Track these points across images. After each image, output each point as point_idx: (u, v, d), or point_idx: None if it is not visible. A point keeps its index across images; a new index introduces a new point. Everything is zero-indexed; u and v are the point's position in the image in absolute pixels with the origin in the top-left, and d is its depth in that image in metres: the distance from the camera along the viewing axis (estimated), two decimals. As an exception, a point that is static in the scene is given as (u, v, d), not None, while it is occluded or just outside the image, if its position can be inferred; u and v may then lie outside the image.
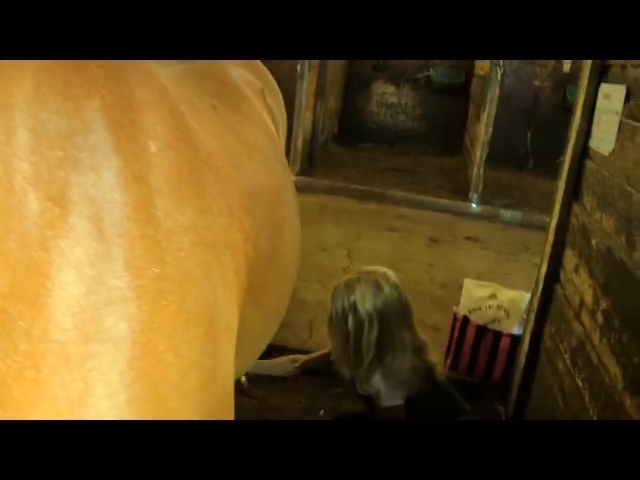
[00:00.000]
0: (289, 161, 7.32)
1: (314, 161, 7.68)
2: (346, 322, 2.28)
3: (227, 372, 1.17)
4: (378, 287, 2.29)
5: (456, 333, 3.65)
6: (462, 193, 7.55)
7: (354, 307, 2.27)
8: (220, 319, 1.12)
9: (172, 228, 1.02)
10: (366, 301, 2.26)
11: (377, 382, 2.33)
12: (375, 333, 2.26)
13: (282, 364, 3.17)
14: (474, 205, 7.23)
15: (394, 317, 2.29)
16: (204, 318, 1.07)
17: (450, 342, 3.74)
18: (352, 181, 7.54)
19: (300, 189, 6.83)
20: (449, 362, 3.64)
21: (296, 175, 7.24)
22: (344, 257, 5.68)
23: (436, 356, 2.47)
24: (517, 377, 3.17)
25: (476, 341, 3.59)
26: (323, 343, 4.24)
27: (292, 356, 3.20)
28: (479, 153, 7.18)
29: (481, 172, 7.20)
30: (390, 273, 2.37)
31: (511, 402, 3.20)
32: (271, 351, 3.94)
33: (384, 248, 5.93)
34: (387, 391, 2.33)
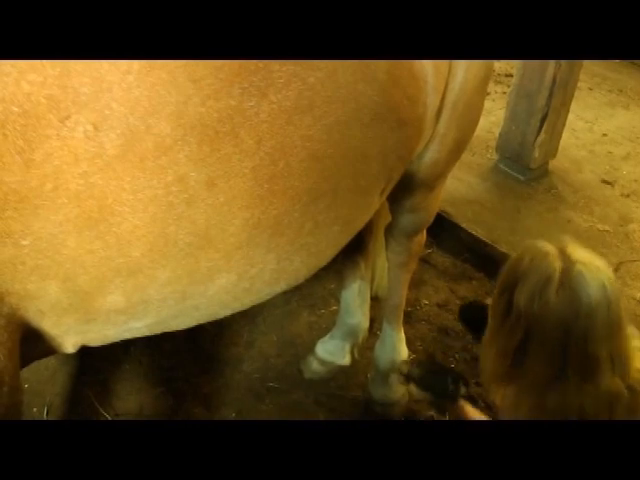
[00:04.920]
0: None
1: None
2: (498, 299, 1.71)
3: None
4: (547, 283, 1.60)
5: None
6: None
7: (512, 289, 1.65)
8: None
9: None
10: (524, 291, 1.62)
11: (505, 397, 1.77)
12: (518, 337, 1.64)
13: None
14: None
15: (549, 335, 1.61)
16: None
17: None
18: None
19: None
20: None
21: None
22: None
23: None
24: None
25: None
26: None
27: None
28: None
29: None
30: (596, 281, 1.59)
31: None
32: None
33: None
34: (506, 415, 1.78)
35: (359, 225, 1.80)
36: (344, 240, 1.75)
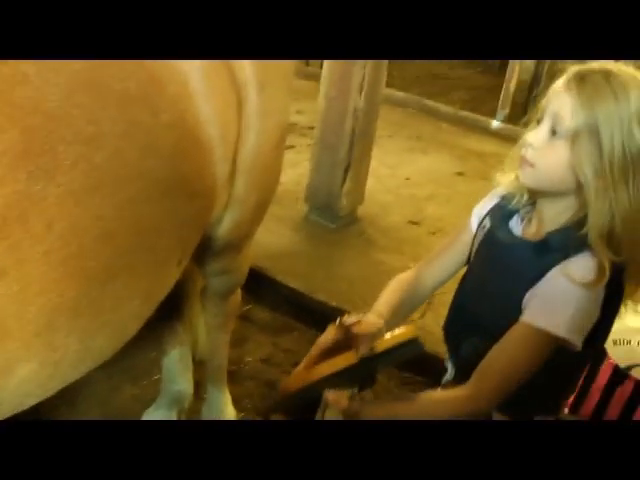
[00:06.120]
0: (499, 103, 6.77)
1: (530, 109, 6.87)
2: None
3: None
4: None
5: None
6: None
7: (629, 125, 1.45)
8: None
9: None
10: None
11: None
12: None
13: None
14: None
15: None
16: None
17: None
18: (567, 137, 6.55)
19: (501, 137, 6.35)
20: (571, 400, 2.63)
21: (502, 121, 6.62)
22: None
23: None
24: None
25: (609, 386, 2.57)
26: (432, 329, 3.88)
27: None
28: None
29: None
30: None
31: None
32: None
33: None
34: None
35: (160, 296, 1.79)
36: (147, 312, 1.73)
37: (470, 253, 1.78)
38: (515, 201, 1.68)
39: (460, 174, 5.76)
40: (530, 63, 6.69)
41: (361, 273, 4.26)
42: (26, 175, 1.24)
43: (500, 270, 1.65)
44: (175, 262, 1.76)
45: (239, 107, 1.88)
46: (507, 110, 6.71)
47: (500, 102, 6.77)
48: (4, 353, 1.30)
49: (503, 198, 1.72)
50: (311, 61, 7.59)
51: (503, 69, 7.27)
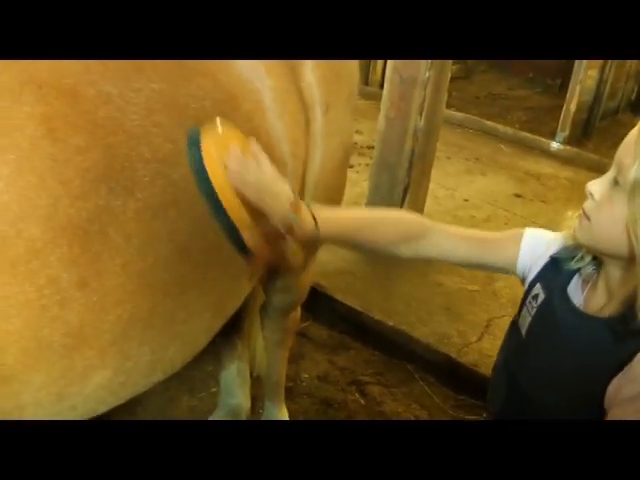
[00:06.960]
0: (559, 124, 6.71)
1: (590, 130, 6.88)
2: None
3: None
4: None
5: None
6: None
7: None
8: None
9: None
10: None
11: None
12: None
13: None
14: None
15: None
16: None
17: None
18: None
19: (560, 159, 6.29)
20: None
21: (562, 143, 6.57)
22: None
23: None
24: None
25: None
26: (489, 352, 3.86)
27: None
28: None
29: None
30: None
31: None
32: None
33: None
34: None
35: (231, 309, 1.83)
36: (217, 325, 1.77)
37: (517, 322, 1.53)
38: (575, 261, 1.42)
39: (518, 196, 5.73)
40: (591, 83, 6.65)
41: (418, 294, 4.25)
42: (107, 191, 1.29)
43: (566, 352, 1.39)
44: (246, 277, 1.79)
45: (307, 127, 1.92)
46: (567, 132, 6.67)
47: (560, 123, 6.73)
48: (81, 360, 1.35)
49: (557, 259, 1.46)
50: (370, 80, 7.64)
51: (563, 89, 7.23)
